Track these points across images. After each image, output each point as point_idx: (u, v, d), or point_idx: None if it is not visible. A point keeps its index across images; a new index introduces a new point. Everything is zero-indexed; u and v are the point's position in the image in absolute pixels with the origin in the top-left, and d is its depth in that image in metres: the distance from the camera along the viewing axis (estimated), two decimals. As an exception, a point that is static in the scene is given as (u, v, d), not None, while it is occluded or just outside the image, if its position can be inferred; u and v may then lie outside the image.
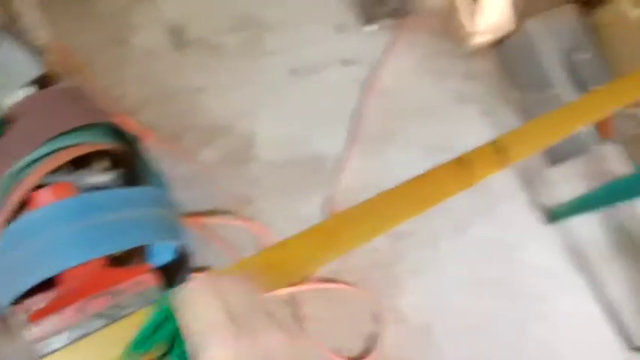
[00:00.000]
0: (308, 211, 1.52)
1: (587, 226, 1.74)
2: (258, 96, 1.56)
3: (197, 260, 1.30)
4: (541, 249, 1.69)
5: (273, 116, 1.56)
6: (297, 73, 1.60)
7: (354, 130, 1.60)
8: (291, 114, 1.58)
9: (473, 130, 1.68)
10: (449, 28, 1.73)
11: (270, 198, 1.51)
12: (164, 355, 0.36)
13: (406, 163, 1.60)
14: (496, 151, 0.57)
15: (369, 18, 1.66)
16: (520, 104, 1.75)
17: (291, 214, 1.51)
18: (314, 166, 1.56)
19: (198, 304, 0.31)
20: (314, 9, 1.66)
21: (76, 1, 1.47)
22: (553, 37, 1.61)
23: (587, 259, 1.72)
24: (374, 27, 1.66)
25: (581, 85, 1.58)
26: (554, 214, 1.67)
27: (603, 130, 1.56)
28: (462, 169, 0.56)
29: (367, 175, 1.58)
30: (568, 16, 1.65)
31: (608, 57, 1.64)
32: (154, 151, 1.42)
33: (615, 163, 1.79)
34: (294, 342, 0.31)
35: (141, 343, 0.36)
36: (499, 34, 1.68)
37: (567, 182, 1.74)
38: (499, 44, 1.75)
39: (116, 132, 0.95)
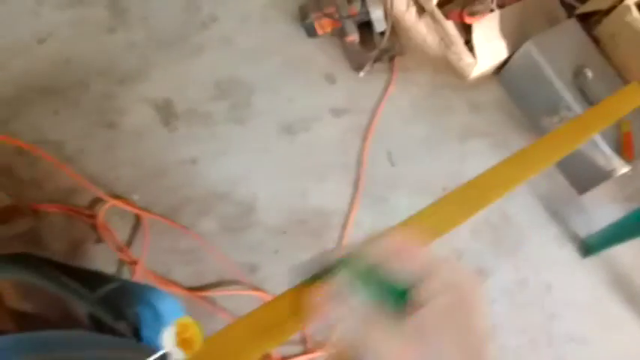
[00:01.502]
0: (316, 273, 1.52)
1: (632, 252, 1.64)
2: (253, 159, 1.60)
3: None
4: (580, 286, 1.60)
5: (270, 177, 1.59)
6: (291, 130, 1.63)
7: (356, 181, 1.60)
8: (289, 173, 1.60)
9: (484, 165, 1.64)
10: (445, 63, 1.73)
11: (275, 263, 1.52)
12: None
13: (414, 209, 1.57)
14: None
15: (358, 64, 1.68)
16: (532, 130, 1.70)
17: (299, 278, 1.50)
18: (318, 223, 1.56)
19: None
20: (300, 63, 1.70)
21: (56, 96, 1.57)
22: (557, 55, 1.59)
23: (636, 291, 1.61)
24: (366, 72, 1.68)
25: (596, 102, 1.53)
26: (591, 246, 1.59)
27: (627, 150, 1.49)
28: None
29: (374, 226, 1.56)
30: (570, 32, 1.62)
31: (618, 69, 1.59)
32: (154, 229, 1.49)
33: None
34: None
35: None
36: (499, 60, 1.67)
37: (601, 209, 1.66)
38: (501, 71, 1.73)
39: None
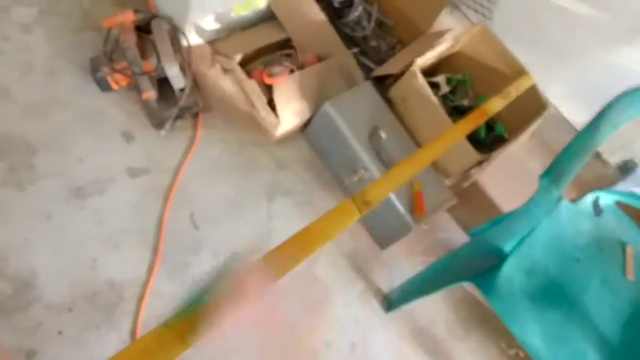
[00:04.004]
0: (108, 354, 1.39)
1: (432, 305, 1.76)
2: (33, 228, 1.44)
3: None
4: (384, 342, 1.66)
5: (53, 248, 1.44)
6: (80, 194, 1.51)
7: (155, 247, 1.52)
8: (77, 242, 1.47)
9: (290, 224, 1.64)
10: (251, 120, 1.75)
11: (58, 345, 1.37)
12: None
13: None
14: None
15: (159, 121, 1.63)
16: (337, 189, 1.77)
17: (88, 360, 1.37)
18: (110, 297, 1.44)
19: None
20: (93, 119, 1.60)
21: None
22: (354, 116, 1.67)
23: (437, 342, 1.72)
24: (167, 130, 1.63)
25: (389, 163, 1.63)
26: (392, 301, 1.67)
27: (418, 208, 1.60)
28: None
29: (176, 295, 1.49)
30: (366, 94, 1.73)
31: (409, 129, 1.73)
32: None
33: (445, 233, 1.85)
34: None
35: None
36: (303, 120, 1.72)
37: (402, 262, 1.76)
38: (304, 129, 1.79)
39: None
